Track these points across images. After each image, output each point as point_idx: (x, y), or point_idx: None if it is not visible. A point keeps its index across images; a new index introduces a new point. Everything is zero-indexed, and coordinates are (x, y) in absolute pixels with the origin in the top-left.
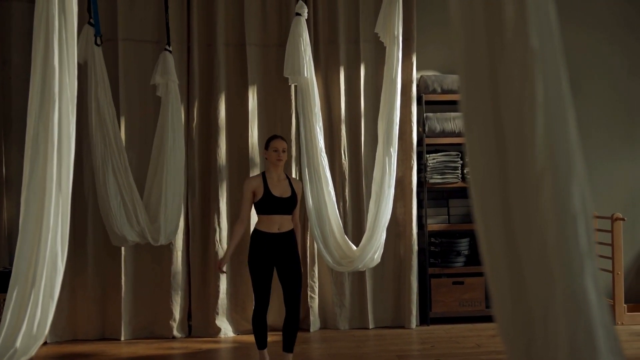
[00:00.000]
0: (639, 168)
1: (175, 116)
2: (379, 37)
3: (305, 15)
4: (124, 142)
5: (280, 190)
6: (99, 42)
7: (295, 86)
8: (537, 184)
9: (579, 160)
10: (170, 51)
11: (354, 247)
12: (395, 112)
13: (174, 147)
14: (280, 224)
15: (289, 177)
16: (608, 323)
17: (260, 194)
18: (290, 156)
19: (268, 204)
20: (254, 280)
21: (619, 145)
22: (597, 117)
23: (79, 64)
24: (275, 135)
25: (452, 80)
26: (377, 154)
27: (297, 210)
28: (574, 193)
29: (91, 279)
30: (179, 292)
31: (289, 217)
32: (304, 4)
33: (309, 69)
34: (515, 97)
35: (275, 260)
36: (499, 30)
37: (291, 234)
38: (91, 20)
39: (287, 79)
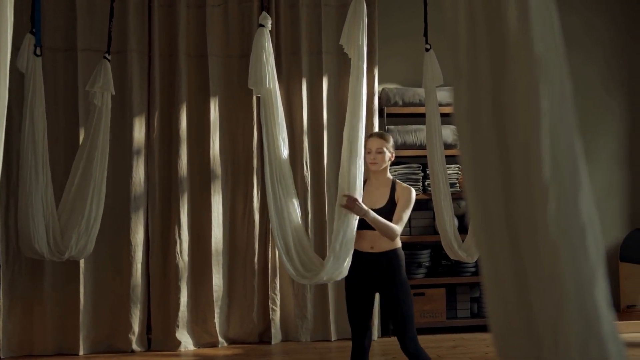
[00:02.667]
0: (595, 180)
1: (103, 128)
2: (344, 49)
3: (269, 26)
4: None
5: (373, 199)
6: (38, 52)
7: (259, 97)
8: (544, 196)
9: (584, 170)
10: (109, 60)
11: (319, 260)
12: (360, 124)
13: (96, 160)
14: (372, 241)
15: (395, 184)
16: (617, 336)
17: None
18: (252, 167)
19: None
20: (347, 308)
21: None
22: None
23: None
24: (372, 134)
25: (413, 93)
26: (341, 165)
27: (394, 219)
28: (582, 204)
29: (48, 292)
30: (138, 305)
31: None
32: (267, 15)
33: (271, 80)
34: (519, 106)
35: (373, 286)
36: (502, 38)
37: (390, 255)
38: (33, 30)
39: (249, 90)
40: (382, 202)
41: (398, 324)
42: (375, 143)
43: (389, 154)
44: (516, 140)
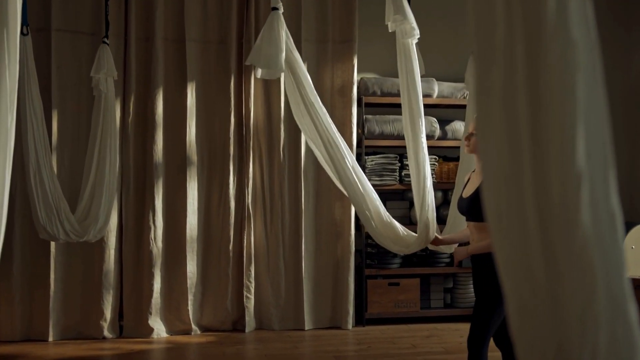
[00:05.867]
0: None
1: (111, 112)
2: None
3: (281, 9)
4: (55, 137)
5: (471, 186)
6: (25, 31)
7: (235, 85)
8: (577, 183)
9: (613, 156)
10: (107, 44)
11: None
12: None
13: (109, 144)
14: (473, 235)
15: None
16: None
17: None
18: (228, 154)
19: (458, 206)
20: None
21: None
22: None
23: None
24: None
25: (392, 83)
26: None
27: None
28: (612, 191)
29: (17, 276)
30: (111, 291)
31: (482, 225)
32: None
33: (281, 61)
34: (555, 92)
35: (476, 283)
36: (539, 23)
37: (484, 255)
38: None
39: (227, 76)
40: (471, 190)
41: (472, 327)
42: (472, 124)
43: None
44: (551, 126)
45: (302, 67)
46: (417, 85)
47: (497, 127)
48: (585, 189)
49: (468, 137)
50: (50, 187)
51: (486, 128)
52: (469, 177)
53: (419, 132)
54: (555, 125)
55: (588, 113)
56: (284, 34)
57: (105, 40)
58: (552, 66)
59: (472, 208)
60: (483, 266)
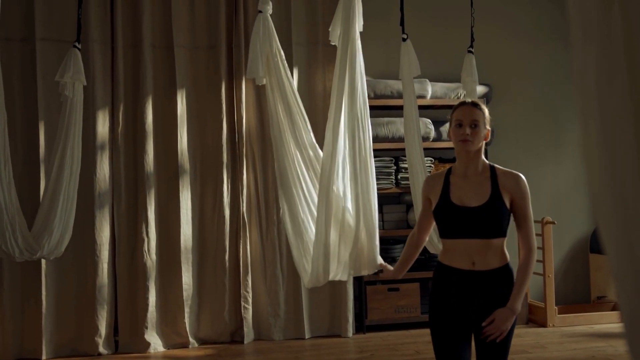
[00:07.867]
0: (564, 171)
1: (76, 119)
2: (330, 41)
3: (268, 11)
4: (43, 148)
5: (466, 193)
6: None
7: (230, 90)
8: None
9: None
10: (79, 49)
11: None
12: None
13: (70, 151)
14: (473, 255)
15: (495, 170)
16: None
17: (436, 200)
18: (221, 162)
19: (445, 218)
20: (434, 347)
21: (544, 149)
22: (524, 122)
23: None
24: (463, 102)
25: (385, 85)
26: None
27: (523, 229)
28: None
29: (7, 293)
30: (105, 306)
31: (492, 242)
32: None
33: (264, 69)
34: None
35: (468, 319)
36: None
37: (500, 275)
38: None
39: (218, 82)
40: (480, 197)
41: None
42: (470, 114)
43: (484, 131)
44: None
45: (283, 74)
46: (354, 94)
47: (592, 106)
48: None
49: (468, 126)
50: (7, 201)
51: (585, 108)
52: (444, 178)
53: (361, 134)
54: None
55: None
56: (266, 38)
57: (76, 44)
58: None
59: (485, 220)
60: (502, 289)
